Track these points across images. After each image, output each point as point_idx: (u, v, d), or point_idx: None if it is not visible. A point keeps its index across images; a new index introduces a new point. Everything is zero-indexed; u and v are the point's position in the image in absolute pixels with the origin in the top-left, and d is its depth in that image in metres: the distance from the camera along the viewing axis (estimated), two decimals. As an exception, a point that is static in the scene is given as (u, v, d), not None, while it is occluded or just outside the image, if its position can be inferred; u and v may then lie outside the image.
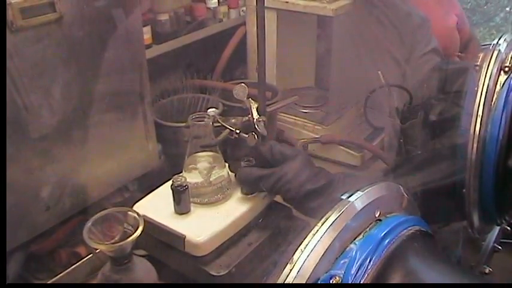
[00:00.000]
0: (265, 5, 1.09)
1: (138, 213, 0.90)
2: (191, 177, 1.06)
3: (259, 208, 1.09)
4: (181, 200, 1.03)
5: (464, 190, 0.80)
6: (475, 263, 1.06)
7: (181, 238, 0.98)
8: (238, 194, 1.09)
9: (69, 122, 1.02)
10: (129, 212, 0.91)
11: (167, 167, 1.30)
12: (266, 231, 1.07)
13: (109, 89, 1.08)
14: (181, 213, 1.04)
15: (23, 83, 0.92)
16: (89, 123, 1.06)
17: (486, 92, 0.78)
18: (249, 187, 1.05)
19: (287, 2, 1.46)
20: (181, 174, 1.05)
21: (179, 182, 1.02)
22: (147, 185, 1.15)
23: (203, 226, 1.00)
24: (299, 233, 1.08)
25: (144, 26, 1.26)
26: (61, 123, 1.01)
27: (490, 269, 1.03)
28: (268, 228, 1.08)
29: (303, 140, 1.54)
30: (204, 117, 1.02)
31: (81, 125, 1.05)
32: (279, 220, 1.10)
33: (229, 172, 1.09)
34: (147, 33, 1.37)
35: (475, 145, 0.78)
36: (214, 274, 0.97)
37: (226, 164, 1.10)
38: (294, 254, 0.52)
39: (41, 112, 0.97)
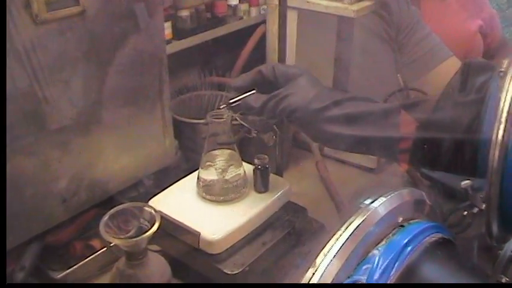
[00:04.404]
0: (287, 4, 1.07)
1: (154, 209, 0.90)
2: (207, 175, 1.06)
3: (275, 208, 1.09)
4: (262, 179, 1.07)
5: (482, 196, 0.79)
6: (491, 272, 1.04)
7: (196, 235, 0.98)
8: (253, 193, 1.09)
9: (88, 115, 1.02)
10: (146, 208, 0.91)
11: (183, 164, 1.30)
12: (281, 231, 1.07)
13: (128, 84, 1.08)
14: (259, 192, 1.08)
15: (43, 75, 0.93)
16: (107, 117, 1.06)
17: (511, 99, 0.76)
18: (255, 114, 0.96)
19: (308, 2, 1.45)
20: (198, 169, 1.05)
21: (261, 161, 1.06)
22: (163, 180, 1.15)
23: (218, 224, 1.00)
24: (314, 234, 1.08)
25: (165, 21, 1.26)
26: (80, 116, 1.01)
27: (507, 279, 1.01)
28: (283, 228, 1.08)
29: (319, 141, 1.53)
30: (223, 114, 1.02)
31: (99, 118, 1.05)
32: (294, 220, 1.09)
33: (246, 171, 1.09)
34: (167, 29, 1.37)
35: (496, 152, 0.76)
36: (228, 272, 0.97)
37: (243, 163, 1.09)
38: (316, 257, 0.51)
39: (60, 104, 0.97)
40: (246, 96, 0.95)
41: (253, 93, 0.95)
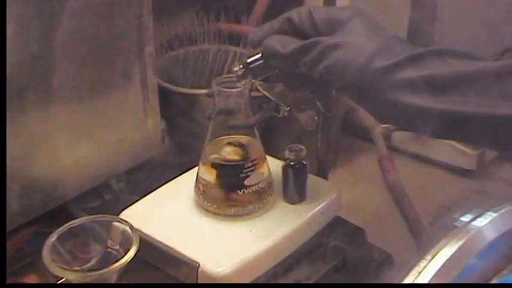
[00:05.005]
0: None
1: (130, 226, 0.91)
2: (212, 175, 1.06)
3: (315, 227, 1.09)
4: (297, 183, 1.08)
5: None
6: None
7: (193, 267, 0.98)
8: (282, 203, 1.10)
9: (25, 78, 1.01)
10: (116, 223, 0.92)
11: (174, 157, 1.32)
12: (325, 262, 1.07)
13: (90, 31, 1.08)
14: (292, 202, 1.09)
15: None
16: (55, 83, 1.05)
17: None
18: (279, 65, 0.95)
19: None
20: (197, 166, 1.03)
21: (295, 155, 1.07)
22: (143, 182, 1.16)
23: (227, 250, 1.00)
24: (377, 267, 1.06)
25: None
26: (11, 80, 0.98)
27: None
28: (328, 259, 1.08)
29: (384, 126, 1.51)
30: (237, 81, 1.00)
31: (44, 84, 1.04)
32: (344, 247, 1.09)
33: (271, 169, 1.09)
34: None
35: None
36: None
37: (268, 157, 1.10)
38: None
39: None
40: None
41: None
